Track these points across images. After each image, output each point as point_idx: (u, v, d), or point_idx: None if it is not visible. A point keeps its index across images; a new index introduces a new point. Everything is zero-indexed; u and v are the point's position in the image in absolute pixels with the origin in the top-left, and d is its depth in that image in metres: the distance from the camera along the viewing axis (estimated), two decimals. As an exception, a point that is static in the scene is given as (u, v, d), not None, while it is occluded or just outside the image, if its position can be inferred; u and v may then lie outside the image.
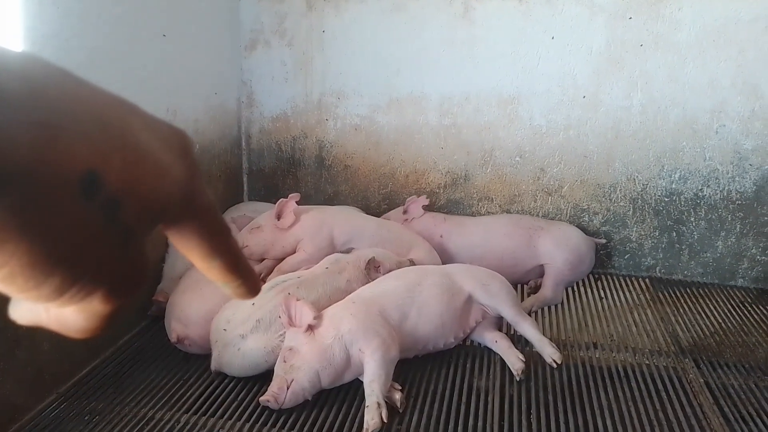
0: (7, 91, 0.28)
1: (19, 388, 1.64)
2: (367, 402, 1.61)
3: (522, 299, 2.40)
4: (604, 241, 2.72)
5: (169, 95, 2.30)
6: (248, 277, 0.43)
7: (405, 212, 2.65)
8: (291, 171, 2.98)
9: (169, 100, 2.29)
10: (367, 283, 2.00)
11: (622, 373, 1.93)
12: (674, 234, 2.71)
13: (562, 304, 2.43)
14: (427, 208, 2.84)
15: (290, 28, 2.81)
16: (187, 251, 0.40)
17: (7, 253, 0.28)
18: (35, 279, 0.29)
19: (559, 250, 2.51)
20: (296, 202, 2.33)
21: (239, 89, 2.90)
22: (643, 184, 2.68)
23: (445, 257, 2.48)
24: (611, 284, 2.66)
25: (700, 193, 2.64)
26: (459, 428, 1.64)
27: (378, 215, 2.72)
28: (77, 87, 0.32)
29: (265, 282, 2.09)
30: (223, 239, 0.41)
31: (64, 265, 0.30)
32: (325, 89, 2.85)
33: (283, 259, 2.30)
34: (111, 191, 0.31)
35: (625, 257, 2.78)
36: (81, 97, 0.32)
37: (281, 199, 2.31)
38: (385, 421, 1.57)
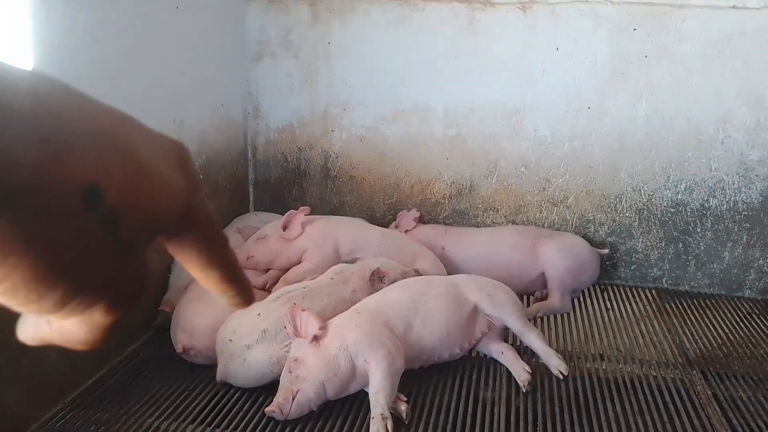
0: (16, 109, 0.29)
1: (25, 398, 1.65)
2: (373, 413, 1.60)
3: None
4: (607, 251, 2.71)
5: (176, 106, 2.31)
6: (243, 288, 0.44)
7: (396, 226, 2.67)
8: (297, 182, 2.99)
9: (175, 111, 2.31)
10: (372, 293, 2.00)
11: (629, 385, 1.92)
12: (680, 245, 2.70)
13: (569, 314, 2.42)
14: (432, 219, 2.86)
15: (296, 40, 2.83)
16: (185, 261, 0.40)
17: (10, 266, 0.29)
18: (37, 292, 0.30)
19: (560, 256, 2.50)
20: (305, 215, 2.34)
21: (245, 100, 2.92)
22: (648, 195, 2.68)
23: (449, 268, 2.47)
24: (617, 295, 2.65)
25: (706, 204, 2.63)
26: (465, 440, 1.63)
27: (383, 225, 2.72)
28: (80, 102, 0.33)
29: (270, 292, 2.10)
30: (221, 251, 0.41)
31: (66, 278, 0.30)
32: (331, 100, 2.86)
33: (288, 269, 2.30)
34: (113, 204, 0.31)
35: (632, 268, 2.77)
36: (84, 112, 0.33)
37: (291, 211, 2.32)
38: (391, 432, 1.56)
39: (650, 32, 2.53)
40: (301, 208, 2.33)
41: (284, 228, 2.31)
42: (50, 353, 1.71)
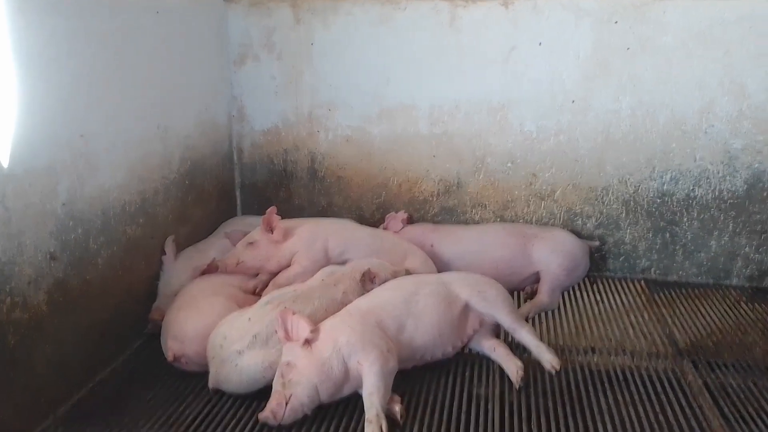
0: None
1: (15, 412, 1.62)
2: (367, 415, 1.60)
3: (518, 306, 2.40)
4: (597, 243, 2.73)
5: (160, 112, 2.29)
6: None
7: (385, 229, 2.67)
8: (284, 184, 2.98)
9: (159, 116, 2.29)
10: (363, 294, 2.00)
11: (620, 377, 1.93)
12: (668, 235, 2.71)
13: (559, 308, 2.43)
14: (421, 217, 2.86)
15: (279, 41, 2.81)
16: None
17: None
18: None
19: (554, 255, 2.51)
20: (278, 214, 2.31)
21: (229, 104, 2.90)
22: (634, 186, 2.69)
23: (438, 266, 2.47)
24: (607, 287, 2.67)
25: (691, 194, 2.65)
26: (460, 438, 1.63)
27: (372, 225, 2.72)
28: None
29: (260, 296, 2.09)
30: None
31: None
32: (316, 101, 2.85)
33: (278, 272, 2.29)
34: None
35: (620, 259, 2.79)
36: None
37: (264, 216, 2.30)
38: (386, 433, 1.56)
39: (632, 24, 2.54)
40: (268, 210, 2.31)
41: (270, 231, 2.29)
42: (40, 366, 1.69)
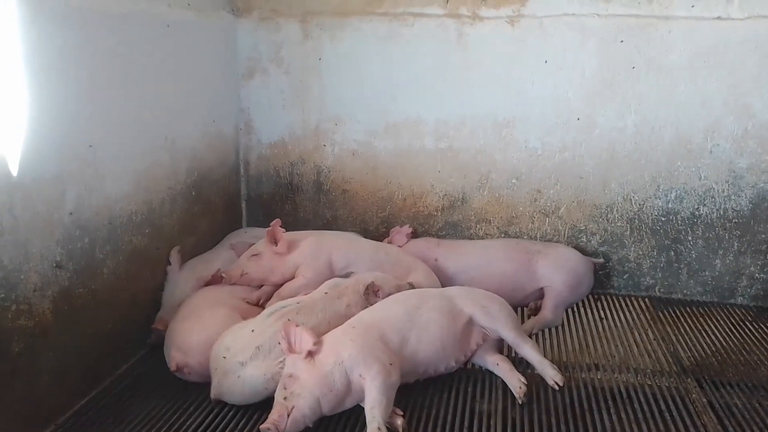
0: None
1: (17, 421, 1.63)
2: (369, 428, 1.60)
3: (522, 322, 2.39)
4: (602, 260, 2.73)
5: (167, 124, 2.32)
6: None
7: (390, 243, 2.68)
8: (289, 197, 2.99)
9: (167, 128, 2.31)
10: (366, 307, 2.00)
11: (624, 395, 1.92)
12: (672, 253, 2.71)
13: (563, 325, 2.43)
14: (425, 232, 2.86)
15: (287, 56, 2.84)
16: None
17: None
18: None
19: (558, 272, 2.51)
20: (282, 227, 2.32)
21: (237, 117, 2.93)
22: (639, 204, 2.69)
23: (442, 280, 2.47)
24: (611, 304, 2.66)
25: (696, 212, 2.65)
26: (461, 453, 1.62)
27: (377, 239, 2.73)
28: None
29: (264, 308, 2.09)
30: None
31: None
32: (323, 115, 2.87)
33: (282, 284, 2.29)
34: None
35: (624, 277, 2.78)
36: None
37: (269, 229, 2.31)
38: (387, 447, 1.55)
39: (637, 44, 2.56)
40: (273, 222, 2.32)
41: (275, 243, 2.30)
42: (42, 375, 1.70)
